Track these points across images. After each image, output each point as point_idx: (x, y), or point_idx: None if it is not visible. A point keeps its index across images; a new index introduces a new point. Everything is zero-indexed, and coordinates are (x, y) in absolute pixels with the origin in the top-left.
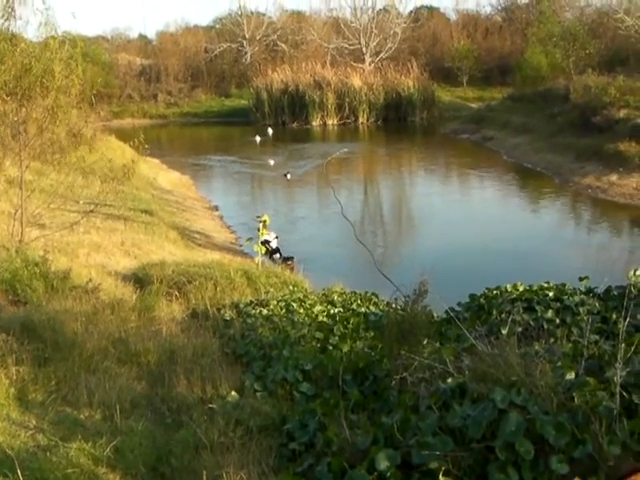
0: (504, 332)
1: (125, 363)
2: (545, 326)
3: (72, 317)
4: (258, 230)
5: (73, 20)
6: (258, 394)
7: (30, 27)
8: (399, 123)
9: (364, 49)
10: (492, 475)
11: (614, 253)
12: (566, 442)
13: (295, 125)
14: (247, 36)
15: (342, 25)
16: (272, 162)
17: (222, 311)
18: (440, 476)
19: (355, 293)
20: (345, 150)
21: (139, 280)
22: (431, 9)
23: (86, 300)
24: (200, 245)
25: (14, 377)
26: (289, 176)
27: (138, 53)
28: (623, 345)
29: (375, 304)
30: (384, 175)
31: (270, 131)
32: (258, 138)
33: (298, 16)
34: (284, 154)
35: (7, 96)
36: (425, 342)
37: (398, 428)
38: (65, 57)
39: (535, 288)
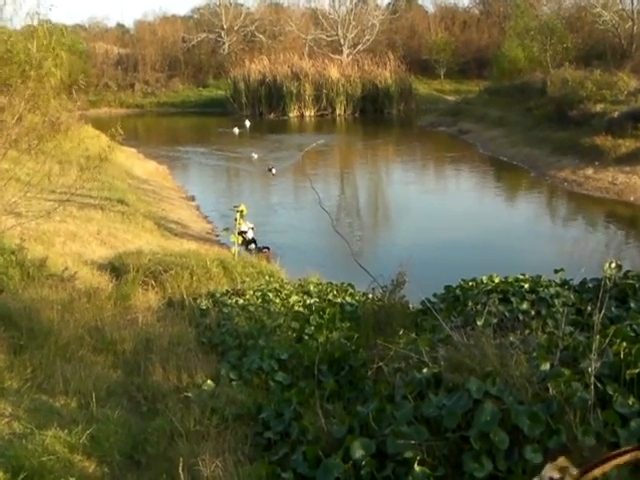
0: (479, 323)
1: (101, 351)
2: (520, 317)
3: (48, 305)
4: (235, 220)
5: (54, 9)
6: (234, 383)
7: (15, 16)
8: (376, 115)
9: (342, 41)
10: (467, 464)
11: (589, 246)
12: (540, 432)
13: (272, 116)
14: (225, 26)
15: (320, 16)
16: (255, 156)
17: (198, 300)
18: (415, 465)
19: (331, 284)
20: (322, 142)
21: (115, 269)
22: (409, 1)
23: (62, 288)
24: (176, 235)
25: None
26: (274, 171)
27: (115, 42)
28: (598, 337)
29: (351, 295)
30: (361, 167)
31: (247, 123)
32: (236, 130)
33: (276, 7)
34: (264, 146)
35: None
36: (401, 332)
37: (373, 417)
38: (50, 46)
39: (511, 280)
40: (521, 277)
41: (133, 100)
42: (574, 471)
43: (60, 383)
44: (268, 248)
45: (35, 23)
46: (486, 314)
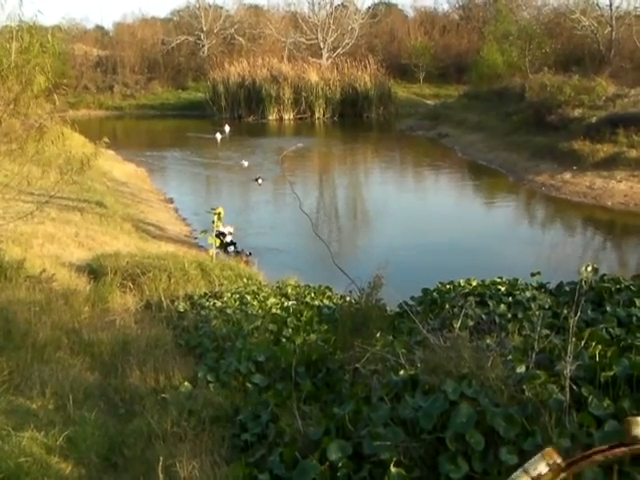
0: (456, 326)
1: (78, 353)
2: (497, 320)
3: (25, 307)
4: (213, 222)
5: (32, 10)
6: (211, 385)
7: None
8: (355, 119)
9: (321, 44)
10: (443, 465)
11: (566, 250)
12: (516, 434)
13: (251, 119)
14: (205, 29)
15: (300, 20)
16: (246, 163)
17: (176, 303)
18: (391, 466)
19: (309, 286)
20: (301, 145)
21: (93, 271)
22: (389, 5)
23: (39, 290)
24: (155, 237)
25: None
26: (260, 181)
27: (95, 44)
28: (573, 339)
29: (329, 297)
30: (340, 171)
31: (227, 128)
32: (219, 136)
33: (256, 10)
34: (246, 151)
35: None
36: (378, 335)
37: (350, 419)
38: (33, 51)
39: (488, 283)
40: (498, 280)
41: (112, 102)
42: (559, 461)
43: (37, 385)
44: (250, 254)
45: (15, 24)
46: (463, 317)
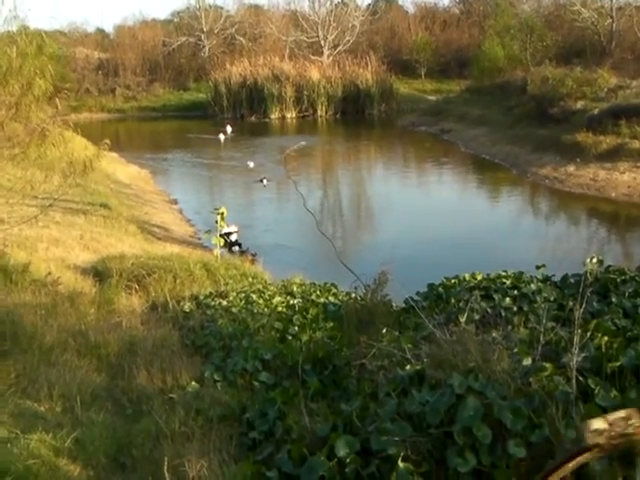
0: (462, 320)
1: (85, 355)
2: (502, 314)
3: (31, 310)
4: (216, 222)
5: (34, 15)
6: (218, 384)
7: None
8: (357, 116)
9: (322, 42)
10: (450, 459)
11: (571, 242)
12: (523, 426)
13: (254, 118)
14: (205, 30)
15: (300, 18)
16: (252, 164)
17: (182, 303)
18: (399, 461)
19: (314, 284)
20: (304, 143)
21: (98, 273)
22: (389, 2)
23: (45, 293)
24: (159, 238)
25: None
26: (265, 182)
27: (96, 47)
28: (579, 331)
29: (334, 295)
30: (343, 168)
31: (229, 128)
32: (222, 136)
33: (256, 9)
34: (250, 152)
35: None
36: (384, 331)
37: (357, 415)
38: (31, 54)
39: (493, 276)
40: (503, 274)
41: (114, 105)
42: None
43: (44, 387)
44: (255, 254)
45: (14, 28)
46: (468, 311)
